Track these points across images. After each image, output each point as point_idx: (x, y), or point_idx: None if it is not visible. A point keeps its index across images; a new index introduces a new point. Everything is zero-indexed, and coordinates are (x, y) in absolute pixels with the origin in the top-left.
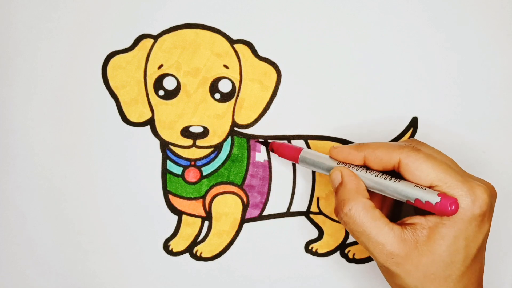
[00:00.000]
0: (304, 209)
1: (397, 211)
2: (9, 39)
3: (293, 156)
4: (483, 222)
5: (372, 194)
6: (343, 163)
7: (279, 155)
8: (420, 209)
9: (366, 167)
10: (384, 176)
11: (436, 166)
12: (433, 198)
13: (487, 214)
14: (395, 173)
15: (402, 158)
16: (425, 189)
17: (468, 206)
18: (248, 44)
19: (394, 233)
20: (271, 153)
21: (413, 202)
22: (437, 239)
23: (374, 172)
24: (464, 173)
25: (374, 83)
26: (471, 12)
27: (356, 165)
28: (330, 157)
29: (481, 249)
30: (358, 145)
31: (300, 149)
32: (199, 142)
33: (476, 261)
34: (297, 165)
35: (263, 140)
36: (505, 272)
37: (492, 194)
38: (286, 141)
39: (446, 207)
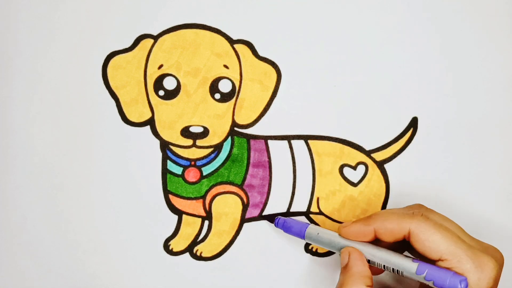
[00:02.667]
0: (304, 209)
1: None
2: (9, 39)
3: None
4: None
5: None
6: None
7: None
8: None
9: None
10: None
11: (447, 238)
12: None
13: None
14: (404, 243)
15: (413, 228)
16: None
17: (475, 283)
18: (248, 44)
19: None
20: (271, 153)
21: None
22: None
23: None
24: (472, 244)
25: (374, 83)
26: (471, 12)
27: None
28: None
29: None
30: (367, 219)
31: (306, 225)
32: (199, 142)
33: None
34: (297, 165)
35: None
36: None
37: (500, 264)
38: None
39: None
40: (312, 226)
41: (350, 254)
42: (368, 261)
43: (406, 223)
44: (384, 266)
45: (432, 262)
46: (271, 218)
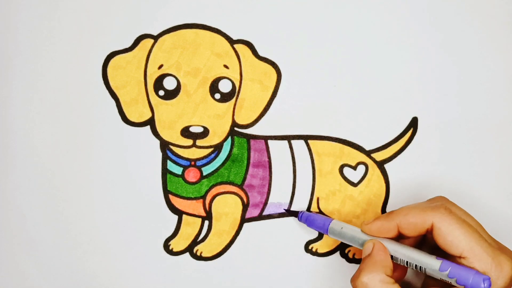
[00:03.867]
0: (304, 209)
1: None
2: (9, 39)
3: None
4: None
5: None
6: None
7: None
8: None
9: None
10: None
11: (468, 234)
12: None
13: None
14: (426, 240)
15: (436, 222)
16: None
17: (494, 281)
18: (248, 44)
19: None
20: (271, 153)
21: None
22: None
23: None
24: (491, 242)
25: (374, 83)
26: (471, 12)
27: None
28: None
29: None
30: (389, 215)
31: (329, 220)
32: (199, 142)
33: None
34: (297, 165)
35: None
36: None
37: None
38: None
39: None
40: (335, 221)
41: (374, 245)
42: (391, 257)
43: (429, 216)
44: (406, 262)
45: (452, 258)
46: (294, 212)
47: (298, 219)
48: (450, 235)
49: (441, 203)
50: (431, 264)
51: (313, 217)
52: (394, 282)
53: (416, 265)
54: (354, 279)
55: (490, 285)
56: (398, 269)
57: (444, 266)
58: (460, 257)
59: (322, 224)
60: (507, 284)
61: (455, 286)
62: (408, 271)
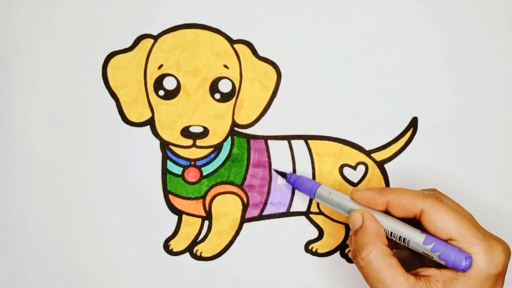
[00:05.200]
0: (304, 209)
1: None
2: (9, 39)
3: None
4: (497, 281)
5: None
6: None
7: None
8: (435, 261)
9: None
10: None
11: (458, 220)
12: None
13: (502, 274)
14: (413, 222)
15: (426, 208)
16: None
17: (485, 265)
18: (248, 44)
19: (409, 284)
20: (271, 153)
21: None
22: None
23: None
24: (483, 231)
25: (374, 83)
26: (471, 12)
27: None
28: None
29: None
30: (381, 190)
31: (317, 185)
32: (199, 142)
33: None
34: (297, 165)
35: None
36: None
37: (508, 254)
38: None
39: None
40: (324, 185)
41: (363, 215)
42: None
43: (420, 201)
44: (391, 233)
45: None
46: (283, 174)
47: (286, 180)
48: (440, 221)
49: (433, 193)
50: (416, 237)
51: (301, 179)
52: (392, 254)
53: (400, 236)
54: (355, 256)
55: (471, 264)
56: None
57: (428, 240)
58: (449, 239)
59: (310, 187)
60: (499, 269)
61: (446, 268)
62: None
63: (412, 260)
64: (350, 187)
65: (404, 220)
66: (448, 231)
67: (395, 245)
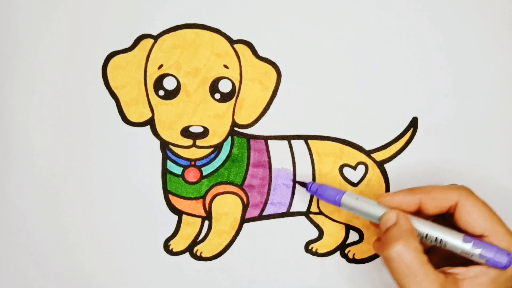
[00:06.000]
0: (304, 209)
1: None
2: (9, 39)
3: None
4: None
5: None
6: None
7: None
8: (463, 258)
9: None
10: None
11: (490, 215)
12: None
13: None
14: (444, 217)
15: (461, 200)
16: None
17: None
18: (248, 44)
19: (438, 281)
20: (271, 153)
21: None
22: None
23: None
24: (508, 228)
25: (374, 83)
26: (471, 12)
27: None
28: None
29: None
30: (412, 189)
31: (342, 192)
32: (199, 142)
33: None
34: (296, 165)
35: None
36: None
37: None
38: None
39: (502, 261)
40: (349, 192)
41: (398, 215)
42: None
43: (454, 194)
44: (426, 235)
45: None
46: (302, 183)
47: (307, 189)
48: (474, 214)
49: (464, 186)
50: (454, 237)
51: (323, 188)
52: (423, 251)
53: (437, 238)
54: (384, 249)
55: (511, 261)
56: None
57: (467, 239)
58: (481, 236)
59: (335, 194)
60: None
61: (473, 263)
62: None
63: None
64: (350, 187)
65: (434, 220)
66: (482, 225)
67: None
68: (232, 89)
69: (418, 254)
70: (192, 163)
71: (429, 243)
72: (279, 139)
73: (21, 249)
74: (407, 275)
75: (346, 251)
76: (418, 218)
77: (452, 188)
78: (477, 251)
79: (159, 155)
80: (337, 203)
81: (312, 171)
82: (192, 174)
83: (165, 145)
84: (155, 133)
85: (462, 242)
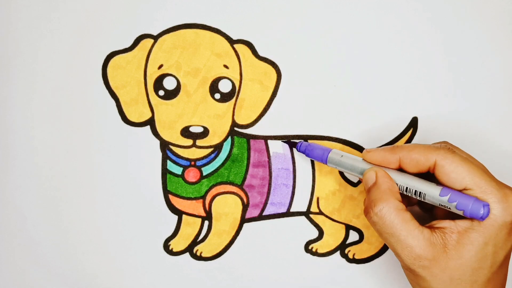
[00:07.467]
0: (304, 209)
1: (423, 215)
2: (9, 39)
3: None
4: None
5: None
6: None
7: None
8: (449, 213)
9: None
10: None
11: (472, 170)
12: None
13: None
14: (427, 176)
15: (439, 160)
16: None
17: (500, 213)
18: (248, 44)
19: (423, 236)
20: (271, 153)
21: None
22: (466, 244)
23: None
24: (497, 180)
25: (374, 83)
26: (471, 12)
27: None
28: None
29: (508, 256)
30: (393, 148)
31: (329, 150)
32: (199, 142)
33: (502, 268)
34: (296, 165)
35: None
36: None
37: None
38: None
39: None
40: (335, 150)
41: (377, 173)
42: None
43: (432, 154)
44: (406, 188)
45: None
46: (293, 143)
47: (297, 149)
48: (454, 172)
49: (444, 145)
50: (431, 190)
51: (312, 146)
52: (405, 209)
53: (416, 191)
54: (367, 212)
55: (489, 212)
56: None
57: (445, 192)
58: (464, 189)
59: (322, 153)
60: None
61: (460, 217)
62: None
63: (424, 216)
64: (350, 187)
65: (418, 175)
66: (462, 181)
67: (408, 203)
68: (232, 89)
69: (398, 213)
70: (192, 163)
71: (414, 198)
72: (279, 139)
73: (21, 249)
74: (390, 235)
75: (346, 251)
76: (400, 172)
77: (432, 149)
78: (453, 204)
79: (159, 155)
80: (324, 161)
81: (312, 171)
82: (192, 174)
83: (165, 145)
84: (155, 133)
85: (439, 196)
